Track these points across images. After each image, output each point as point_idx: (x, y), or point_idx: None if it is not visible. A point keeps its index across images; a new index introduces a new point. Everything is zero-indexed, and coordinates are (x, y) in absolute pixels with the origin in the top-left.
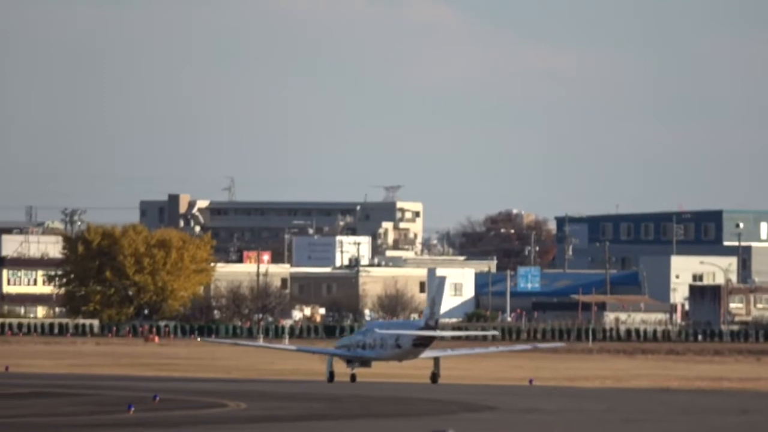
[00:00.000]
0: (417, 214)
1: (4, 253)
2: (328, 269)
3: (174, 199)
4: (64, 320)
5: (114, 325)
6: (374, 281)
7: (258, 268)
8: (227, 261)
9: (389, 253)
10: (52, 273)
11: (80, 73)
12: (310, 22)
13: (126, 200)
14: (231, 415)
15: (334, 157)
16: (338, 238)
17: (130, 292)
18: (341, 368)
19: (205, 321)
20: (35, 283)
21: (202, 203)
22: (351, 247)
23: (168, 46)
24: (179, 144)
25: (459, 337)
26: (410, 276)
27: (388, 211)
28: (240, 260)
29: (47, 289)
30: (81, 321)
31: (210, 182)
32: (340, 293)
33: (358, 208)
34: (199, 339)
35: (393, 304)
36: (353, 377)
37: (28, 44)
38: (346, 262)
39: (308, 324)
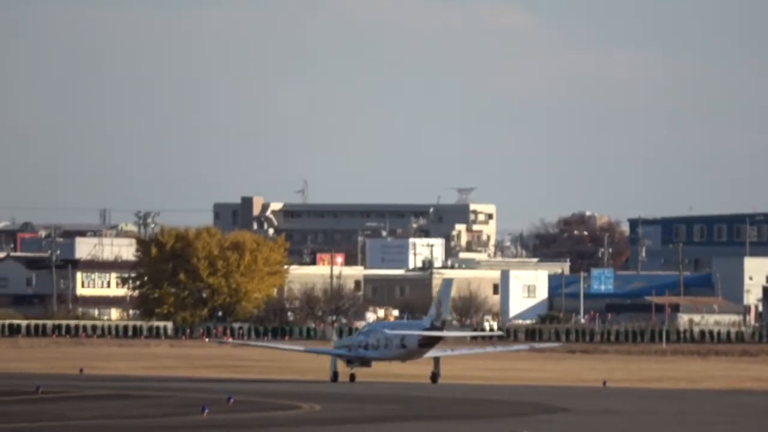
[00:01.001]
0: (490, 216)
1: (78, 255)
2: (401, 271)
3: (247, 202)
4: (138, 322)
5: (188, 328)
6: None
7: (331, 270)
8: (301, 263)
9: (462, 255)
10: (126, 275)
11: (154, 76)
12: (386, 25)
13: (200, 203)
14: (304, 416)
15: (408, 159)
16: (411, 240)
17: (204, 295)
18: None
19: (278, 323)
20: (109, 285)
21: (275, 205)
22: (424, 249)
23: (245, 50)
24: (253, 146)
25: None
26: (483, 278)
27: (461, 213)
28: (313, 262)
29: (121, 292)
30: (155, 323)
31: (283, 184)
32: (414, 295)
33: (432, 210)
34: (207, 340)
35: (466, 306)
36: (352, 377)
37: (108, 48)
38: (419, 264)
39: None
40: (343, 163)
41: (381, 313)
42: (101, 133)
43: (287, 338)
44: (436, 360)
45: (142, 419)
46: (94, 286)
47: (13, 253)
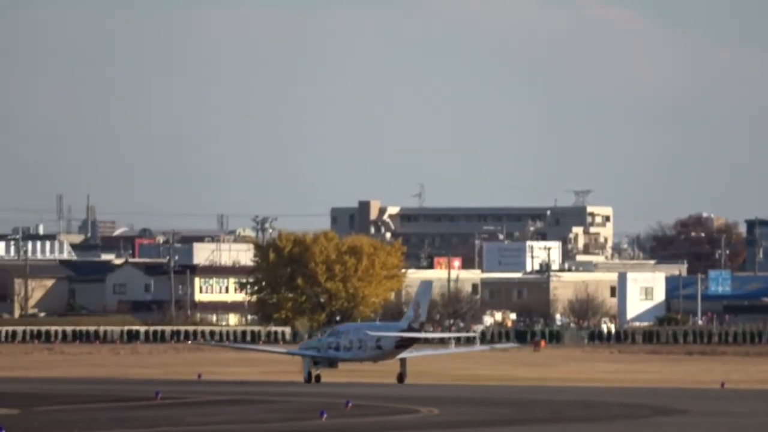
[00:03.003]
0: (607, 218)
1: (196, 261)
2: (518, 274)
3: (365, 206)
4: (256, 328)
5: (306, 333)
6: (565, 286)
7: (449, 273)
8: (418, 267)
9: (579, 258)
10: (244, 281)
11: (272, 81)
12: (496, 25)
13: (317, 207)
14: (423, 420)
15: (524, 162)
16: (528, 243)
17: (322, 299)
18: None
19: None
20: (227, 291)
21: (392, 210)
22: (541, 252)
23: (357, 51)
24: (370, 151)
25: (443, 339)
26: (601, 280)
27: (578, 215)
28: (430, 266)
29: (239, 297)
30: (273, 328)
31: (400, 188)
32: (531, 298)
33: (548, 212)
34: (189, 342)
35: (584, 309)
36: (318, 378)
37: (219, 52)
38: (536, 267)
39: (499, 329)
40: (460, 166)
41: (498, 316)
42: (219, 139)
43: None
44: (403, 361)
45: (261, 424)
46: (212, 292)
47: (131, 259)
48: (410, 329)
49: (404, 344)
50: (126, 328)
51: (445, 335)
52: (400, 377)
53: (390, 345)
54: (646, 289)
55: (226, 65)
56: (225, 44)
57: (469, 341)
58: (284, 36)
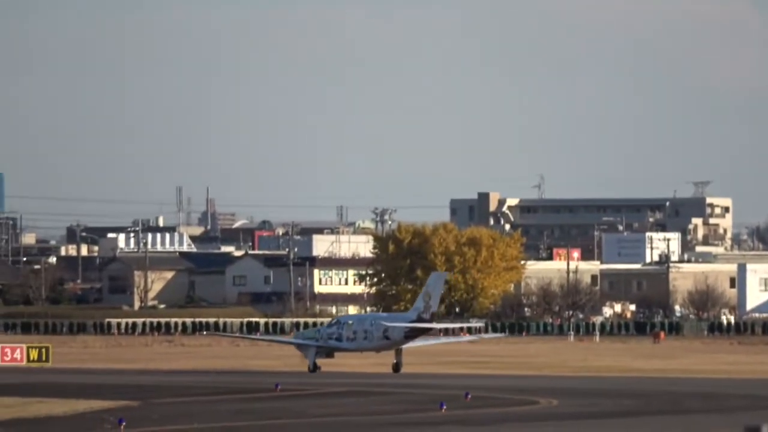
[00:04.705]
0: (726, 209)
1: (316, 253)
2: (638, 266)
3: (484, 197)
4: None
5: None
6: (684, 277)
7: (568, 265)
8: (537, 258)
9: (699, 249)
10: (363, 272)
11: (395, 75)
12: (604, 19)
13: (436, 199)
14: (542, 412)
15: (644, 153)
16: (648, 234)
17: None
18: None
19: (515, 318)
20: (346, 282)
21: (511, 201)
22: (661, 243)
23: (476, 47)
24: (489, 142)
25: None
26: (720, 271)
27: (697, 206)
28: (550, 257)
29: (358, 289)
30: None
31: (520, 180)
32: (651, 289)
33: (668, 204)
34: (205, 333)
35: (703, 300)
36: (317, 367)
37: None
38: (656, 259)
39: (619, 320)
40: (579, 157)
41: (617, 307)
42: (339, 132)
43: (524, 334)
44: (399, 351)
45: (381, 416)
46: (331, 284)
47: (251, 251)
48: (420, 320)
49: (413, 334)
50: (245, 319)
51: (453, 325)
52: (396, 367)
53: (399, 335)
54: (765, 280)
55: (346, 61)
56: (338, 37)
57: (478, 331)
58: (395, 30)
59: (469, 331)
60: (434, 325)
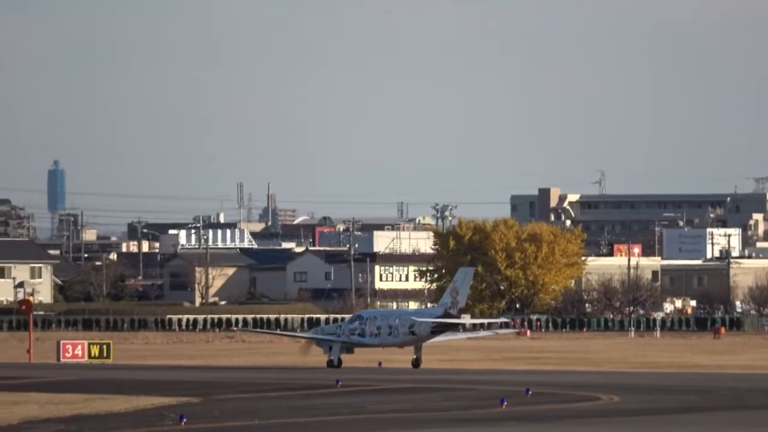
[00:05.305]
0: None
1: (376, 249)
2: (698, 261)
3: (544, 193)
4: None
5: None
6: (745, 273)
7: (629, 261)
8: (598, 254)
9: (760, 245)
10: (423, 268)
11: (451, 70)
12: (679, 14)
13: (497, 195)
14: (604, 408)
15: (704, 149)
16: (709, 230)
17: (502, 287)
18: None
19: (576, 314)
20: (407, 278)
21: (572, 197)
22: (721, 238)
23: (544, 46)
24: (549, 138)
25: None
26: None
27: (758, 202)
28: (610, 253)
29: (418, 285)
30: (466, 317)
31: (580, 176)
32: (711, 285)
33: (728, 199)
34: (235, 329)
35: (764, 296)
36: (332, 362)
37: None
38: (716, 254)
39: (679, 316)
40: (640, 153)
41: (678, 303)
42: (399, 128)
43: (585, 330)
44: (419, 346)
45: (441, 412)
46: (392, 280)
47: (312, 248)
48: (447, 315)
49: (440, 330)
50: (306, 316)
51: (482, 321)
52: (416, 362)
53: (425, 330)
54: None
55: (408, 58)
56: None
57: (506, 326)
58: (458, 25)
59: (491, 327)
60: (460, 320)
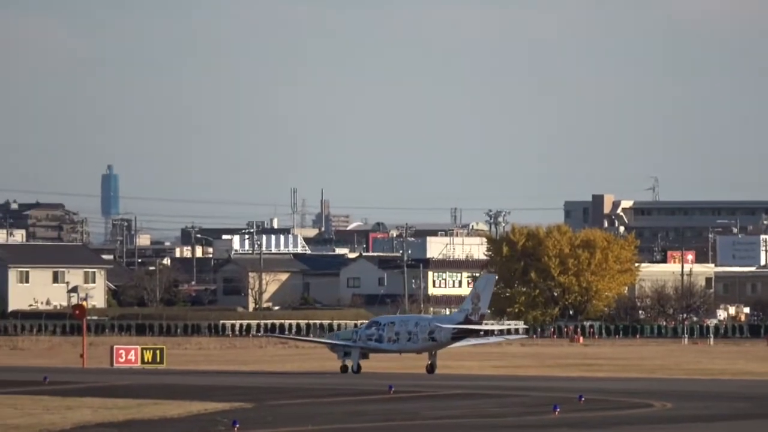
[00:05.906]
0: None
1: (429, 255)
2: (752, 268)
3: (598, 200)
4: (489, 322)
5: (539, 326)
6: None
7: (682, 267)
8: (651, 261)
9: None
10: (477, 274)
11: (503, 75)
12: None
13: (550, 201)
14: (656, 415)
15: (758, 155)
16: (763, 237)
17: (555, 293)
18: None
19: (629, 321)
20: (460, 285)
21: (626, 203)
22: None
23: (585, 50)
24: (604, 145)
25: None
26: None
27: None
28: (664, 260)
29: None
30: (506, 322)
31: (634, 182)
32: (765, 292)
33: None
34: (261, 333)
35: None
36: (345, 368)
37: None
38: None
39: (733, 323)
40: (694, 160)
41: (732, 310)
42: (452, 135)
43: (638, 336)
44: (434, 352)
45: (495, 418)
46: (445, 286)
47: (365, 253)
48: (467, 321)
49: (460, 336)
50: (359, 321)
51: (501, 327)
52: (430, 368)
53: (446, 336)
54: None
55: (459, 63)
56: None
57: (516, 332)
58: (504, 32)
59: (502, 333)
60: (481, 327)
